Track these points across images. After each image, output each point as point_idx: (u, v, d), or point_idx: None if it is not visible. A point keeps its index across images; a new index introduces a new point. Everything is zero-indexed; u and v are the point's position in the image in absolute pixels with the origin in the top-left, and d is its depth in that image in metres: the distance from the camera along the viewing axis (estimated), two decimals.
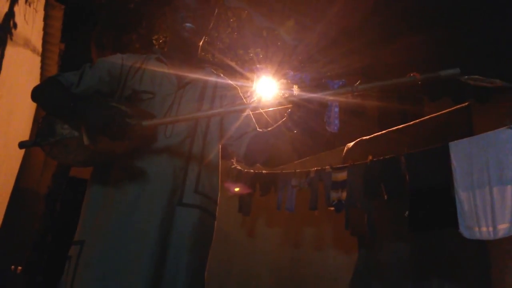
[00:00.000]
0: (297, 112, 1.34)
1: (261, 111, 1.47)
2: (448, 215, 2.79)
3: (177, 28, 1.58)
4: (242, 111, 1.48)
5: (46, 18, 3.57)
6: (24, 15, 2.47)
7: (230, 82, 1.72)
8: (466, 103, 3.22)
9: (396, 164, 3.30)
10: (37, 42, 3.64)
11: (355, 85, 1.24)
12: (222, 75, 1.72)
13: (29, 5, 2.54)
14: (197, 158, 1.50)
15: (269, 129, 1.53)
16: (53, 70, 4.48)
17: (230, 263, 5.45)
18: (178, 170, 1.44)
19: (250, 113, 1.67)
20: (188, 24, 1.56)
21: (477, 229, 2.65)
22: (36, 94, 1.45)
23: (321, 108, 1.32)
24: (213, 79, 1.67)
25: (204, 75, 1.65)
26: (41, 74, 4.42)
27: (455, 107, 3.28)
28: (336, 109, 1.31)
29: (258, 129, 1.63)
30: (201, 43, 1.68)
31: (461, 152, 2.84)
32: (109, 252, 1.30)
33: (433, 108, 3.67)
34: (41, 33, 3.74)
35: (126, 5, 3.04)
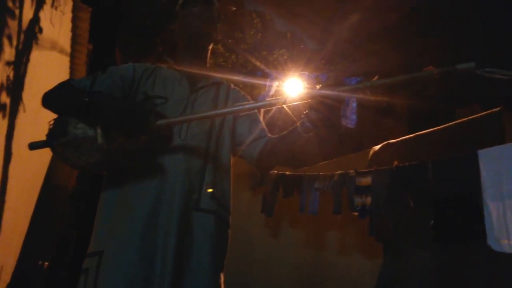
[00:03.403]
0: (314, 112, 1.30)
1: (278, 107, 1.42)
2: (476, 226, 2.68)
3: (184, 30, 1.58)
4: (257, 108, 1.45)
5: (73, 20, 3.65)
6: (50, 19, 2.52)
7: (240, 91, 1.71)
8: (498, 109, 3.07)
9: (422, 170, 3.21)
10: (65, 44, 3.73)
11: (372, 80, 1.20)
12: (232, 85, 1.71)
13: (55, 9, 2.59)
14: (212, 162, 1.48)
15: (282, 133, 1.50)
16: (82, 70, 4.58)
17: (252, 262, 5.45)
18: (194, 173, 1.42)
19: (261, 119, 1.66)
20: (195, 23, 1.56)
21: (506, 242, 2.54)
22: (47, 97, 1.42)
23: (340, 106, 1.27)
24: (225, 83, 1.67)
25: (216, 80, 1.64)
26: (70, 74, 4.54)
27: (485, 112, 3.14)
28: (354, 105, 1.26)
29: (269, 134, 1.61)
30: (209, 47, 1.68)
31: (490, 160, 2.72)
32: (131, 262, 1.28)
33: (462, 114, 3.53)
34: (69, 34, 3.83)
35: (150, 8, 3.07)
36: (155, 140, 1.37)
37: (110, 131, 1.25)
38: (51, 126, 1.31)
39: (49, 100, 1.42)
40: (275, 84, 1.32)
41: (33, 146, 1.32)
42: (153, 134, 1.31)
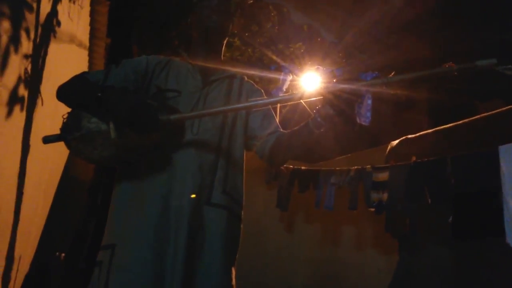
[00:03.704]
0: (327, 108, 1.28)
1: (293, 103, 1.40)
2: (495, 223, 2.62)
3: (202, 22, 1.58)
4: (271, 104, 1.43)
5: (92, 14, 3.68)
6: (69, 13, 2.54)
7: (254, 85, 1.70)
8: None
9: (441, 166, 3.14)
10: (84, 38, 3.76)
11: (389, 76, 1.17)
12: (246, 78, 1.70)
13: (74, 3, 2.61)
14: (224, 157, 1.48)
15: (294, 129, 1.48)
16: (100, 64, 4.62)
17: (266, 257, 5.45)
18: (206, 168, 1.42)
19: (274, 113, 1.65)
20: (213, 16, 1.56)
21: None
22: (61, 90, 1.43)
23: (355, 102, 1.25)
24: (238, 77, 1.66)
25: (230, 73, 1.64)
26: (89, 68, 4.58)
27: (507, 108, 3.05)
28: (369, 101, 1.24)
29: (281, 129, 1.60)
30: (224, 41, 1.67)
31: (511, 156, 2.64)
32: (143, 255, 1.30)
33: (483, 109, 3.44)
34: (88, 28, 3.86)
35: (168, 2, 3.07)
36: (167, 135, 1.37)
37: (122, 126, 1.25)
38: (65, 120, 1.32)
39: (63, 93, 1.43)
40: (289, 78, 1.29)
41: (47, 140, 1.34)
42: (164, 129, 1.31)
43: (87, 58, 4.39)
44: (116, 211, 1.43)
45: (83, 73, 1.50)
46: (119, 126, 1.25)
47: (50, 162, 3.62)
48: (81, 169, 5.28)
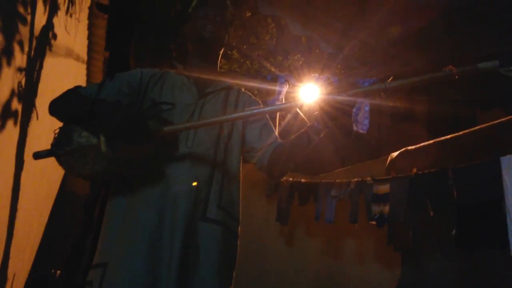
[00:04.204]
0: (324, 115, 1.25)
1: (292, 112, 1.38)
2: (499, 235, 2.58)
3: (197, 33, 1.56)
4: (265, 113, 1.40)
5: (89, 27, 3.68)
6: (65, 26, 2.53)
7: (251, 96, 1.67)
8: None
9: (443, 178, 3.10)
10: (82, 51, 3.75)
11: (387, 82, 1.14)
12: (243, 89, 1.68)
13: (70, 16, 2.60)
14: (220, 170, 1.44)
15: (291, 138, 1.45)
16: (99, 78, 4.61)
17: (267, 271, 5.37)
18: (201, 182, 1.38)
19: (272, 125, 1.62)
20: (208, 26, 1.54)
21: None
22: (53, 104, 1.40)
23: (350, 109, 1.23)
24: (235, 88, 1.64)
25: (226, 85, 1.61)
26: (87, 81, 4.57)
27: (508, 117, 3.03)
28: (367, 108, 1.20)
29: (279, 139, 1.57)
30: (220, 52, 1.65)
31: None
32: (135, 274, 1.25)
33: (484, 120, 3.42)
34: (86, 42, 3.85)
35: (165, 14, 3.08)
36: (161, 148, 1.34)
37: (114, 139, 1.22)
38: (56, 135, 1.29)
39: (55, 108, 1.40)
40: (285, 87, 1.26)
41: (38, 155, 1.31)
42: (157, 142, 1.28)
43: (85, 71, 4.38)
44: (109, 228, 1.39)
45: (76, 87, 1.47)
46: (110, 139, 1.22)
47: (46, 177, 3.58)
48: (79, 184, 5.23)
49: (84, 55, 3.98)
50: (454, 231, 2.91)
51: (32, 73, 2.06)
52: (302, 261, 5.32)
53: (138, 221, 1.32)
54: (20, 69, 1.83)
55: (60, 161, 1.28)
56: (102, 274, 1.29)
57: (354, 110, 1.20)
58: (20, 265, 3.18)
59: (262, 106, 1.64)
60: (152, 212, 1.32)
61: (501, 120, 3.10)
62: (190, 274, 1.29)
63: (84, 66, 4.17)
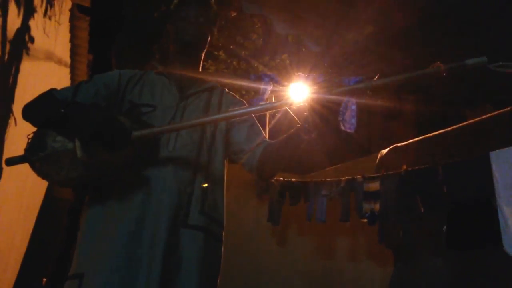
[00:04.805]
0: (313, 115, 1.21)
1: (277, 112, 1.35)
2: (490, 231, 2.56)
3: (178, 35, 1.50)
4: (248, 113, 1.35)
5: (72, 30, 3.60)
6: (44, 29, 2.46)
7: (235, 96, 1.62)
8: (509, 108, 2.94)
9: (432, 174, 3.09)
10: (64, 54, 3.67)
11: (373, 80, 1.10)
12: (226, 90, 1.63)
13: (49, 18, 2.53)
14: (203, 174, 1.38)
15: (281, 138, 1.40)
16: None
17: (260, 272, 5.34)
18: (183, 188, 1.33)
19: (258, 124, 1.57)
20: (190, 29, 1.48)
21: None
22: (26, 109, 1.32)
23: (338, 107, 1.19)
24: (218, 89, 1.58)
25: (208, 85, 1.55)
26: (71, 85, 4.48)
27: (496, 112, 3.02)
28: (353, 107, 1.16)
29: (268, 140, 1.52)
30: (203, 53, 1.59)
31: (503, 162, 2.60)
32: (113, 285, 1.19)
33: (473, 115, 3.41)
34: (68, 45, 3.78)
35: (148, 15, 3.02)
36: (141, 152, 1.28)
37: (89, 143, 1.16)
38: (29, 140, 1.23)
39: (28, 112, 1.33)
40: (270, 87, 1.23)
41: (10, 162, 1.24)
42: (137, 145, 1.23)
43: (69, 75, 4.30)
44: (85, 237, 1.32)
45: (50, 90, 1.40)
46: (86, 144, 1.16)
47: (29, 183, 3.49)
48: (64, 190, 5.14)
49: (67, 58, 3.90)
50: (445, 227, 2.90)
51: (7, 77, 1.99)
52: (294, 260, 5.30)
53: (116, 229, 1.26)
54: None
55: (34, 167, 1.22)
56: (78, 285, 1.23)
57: (340, 109, 1.17)
58: (5, 273, 3.10)
59: (246, 106, 1.60)
60: (131, 220, 1.26)
61: (489, 114, 3.09)
62: (171, 282, 1.24)
63: (67, 70, 4.09)
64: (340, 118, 1.16)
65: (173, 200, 1.29)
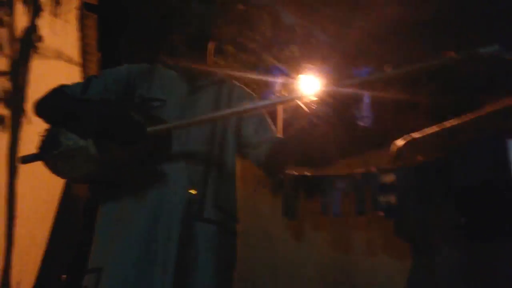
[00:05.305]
0: (324, 108, 1.20)
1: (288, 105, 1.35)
2: (510, 222, 2.51)
3: (184, 29, 1.52)
4: (257, 109, 1.35)
5: (81, 28, 3.62)
6: (52, 27, 2.46)
7: (246, 89, 1.63)
8: None
9: (449, 165, 3.04)
10: (73, 52, 3.70)
11: (386, 70, 1.09)
12: (237, 83, 1.64)
13: (56, 17, 2.53)
14: (215, 167, 1.39)
15: (291, 133, 1.40)
16: None
17: (275, 266, 5.36)
18: (196, 180, 1.34)
19: (268, 119, 1.58)
20: (195, 23, 1.50)
21: None
22: (37, 105, 1.38)
23: (350, 100, 1.18)
24: (228, 82, 1.60)
25: (218, 78, 1.57)
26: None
27: None
28: (367, 100, 1.14)
29: (277, 135, 1.54)
30: (210, 46, 1.60)
31: None
32: (131, 279, 1.22)
33: (489, 104, 3.34)
34: (78, 43, 3.80)
35: (155, 13, 3.00)
36: (153, 147, 1.29)
37: (101, 140, 1.17)
38: (42, 138, 1.27)
39: (39, 108, 1.37)
40: (280, 80, 1.22)
41: (25, 160, 1.29)
42: (149, 141, 1.23)
43: (79, 73, 4.33)
44: (101, 232, 1.38)
45: (61, 86, 1.43)
46: (99, 140, 1.17)
47: (46, 181, 3.54)
48: (83, 186, 5.20)
49: (76, 56, 3.93)
50: (463, 219, 2.85)
51: (17, 76, 2.00)
52: (310, 255, 5.31)
53: (132, 223, 1.30)
54: (2, 73, 1.76)
55: (48, 165, 1.27)
56: (97, 279, 1.27)
57: (355, 103, 1.16)
58: (25, 270, 3.16)
59: (257, 99, 1.61)
60: (146, 214, 1.30)
61: (506, 103, 3.02)
62: (187, 277, 1.25)
63: (77, 68, 4.12)
64: (355, 113, 1.15)
65: (186, 195, 1.32)
